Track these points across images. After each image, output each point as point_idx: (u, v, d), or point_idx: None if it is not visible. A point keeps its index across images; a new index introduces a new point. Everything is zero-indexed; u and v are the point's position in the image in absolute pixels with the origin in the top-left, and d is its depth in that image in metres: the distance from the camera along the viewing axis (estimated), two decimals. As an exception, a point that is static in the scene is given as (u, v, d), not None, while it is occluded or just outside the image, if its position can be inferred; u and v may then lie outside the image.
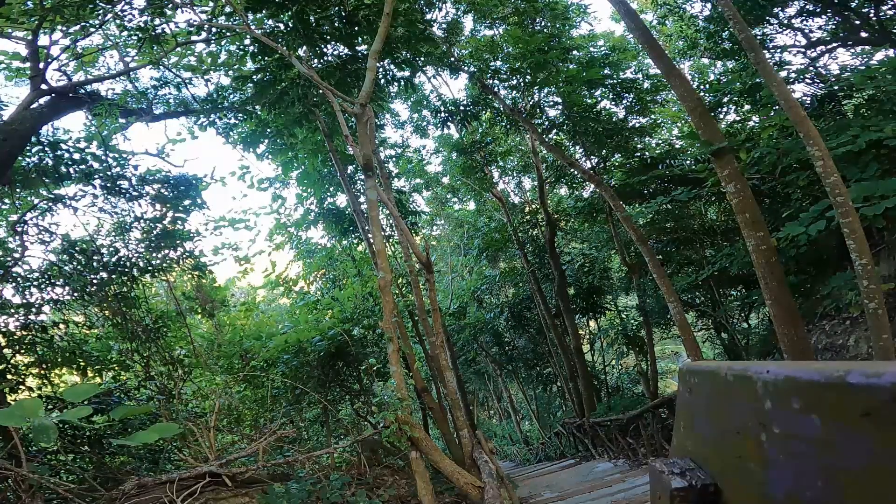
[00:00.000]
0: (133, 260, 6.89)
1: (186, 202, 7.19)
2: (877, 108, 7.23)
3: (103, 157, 6.89)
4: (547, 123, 13.88)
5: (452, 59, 12.87)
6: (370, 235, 4.68)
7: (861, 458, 0.70)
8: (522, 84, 13.05)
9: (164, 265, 7.04)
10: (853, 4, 10.23)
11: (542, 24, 13.09)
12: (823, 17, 10.93)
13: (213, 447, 4.17)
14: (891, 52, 9.96)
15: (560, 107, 13.76)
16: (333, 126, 8.62)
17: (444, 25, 12.62)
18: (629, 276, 14.02)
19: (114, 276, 6.83)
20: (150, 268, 6.89)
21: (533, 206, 18.13)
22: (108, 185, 6.90)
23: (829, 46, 11.35)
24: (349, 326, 8.33)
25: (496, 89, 12.97)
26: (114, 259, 6.92)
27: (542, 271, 16.17)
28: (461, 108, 13.47)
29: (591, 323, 17.97)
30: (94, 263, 6.89)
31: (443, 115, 13.46)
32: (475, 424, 18.94)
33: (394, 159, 15.64)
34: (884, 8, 9.99)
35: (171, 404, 5.84)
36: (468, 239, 19.12)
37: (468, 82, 14.17)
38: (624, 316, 17.01)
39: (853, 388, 0.72)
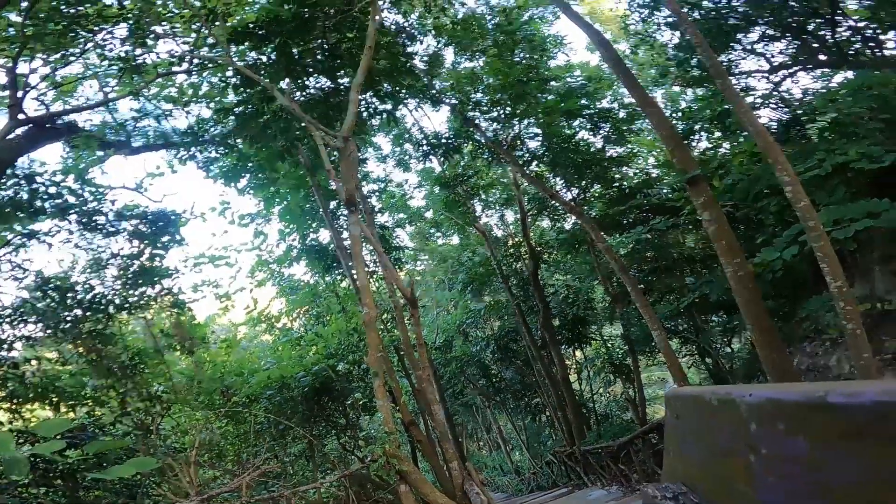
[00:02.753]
0: (109, 297, 6.71)
1: (165, 238, 7.04)
2: (840, 131, 7.46)
3: (80, 192, 6.77)
4: (528, 155, 14.11)
5: (434, 91, 13.12)
6: (354, 272, 4.67)
7: (850, 474, 0.69)
8: (503, 115, 13.32)
9: (142, 302, 6.86)
10: (810, 28, 10.61)
11: (521, 55, 13.44)
12: (784, 41, 11.32)
13: (195, 482, 4.00)
14: (849, 74, 10.27)
15: (540, 138, 14.03)
16: (316, 160, 8.60)
17: (425, 58, 12.89)
18: (613, 306, 14.10)
19: (88, 314, 6.64)
20: (126, 305, 6.72)
21: (516, 239, 18.25)
22: (84, 220, 6.77)
23: (791, 70, 11.75)
24: (334, 362, 8.23)
25: (477, 121, 13.21)
26: (88, 296, 6.75)
27: (527, 304, 16.18)
28: (443, 140, 13.65)
29: (578, 353, 17.93)
30: (68, 300, 6.70)
31: (425, 147, 13.62)
32: (465, 456, 18.54)
33: (376, 194, 15.68)
34: (839, 30, 10.35)
35: (148, 439, 5.62)
36: (452, 273, 19.11)
37: (450, 114, 14.39)
38: (609, 345, 17.03)
39: (835, 408, 0.73)
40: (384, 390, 4.40)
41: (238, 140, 8.00)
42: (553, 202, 14.06)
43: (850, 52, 10.25)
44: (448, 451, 5.66)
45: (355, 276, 4.99)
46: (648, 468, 8.68)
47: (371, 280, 13.35)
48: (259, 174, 9.13)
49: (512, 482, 20.57)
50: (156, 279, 6.89)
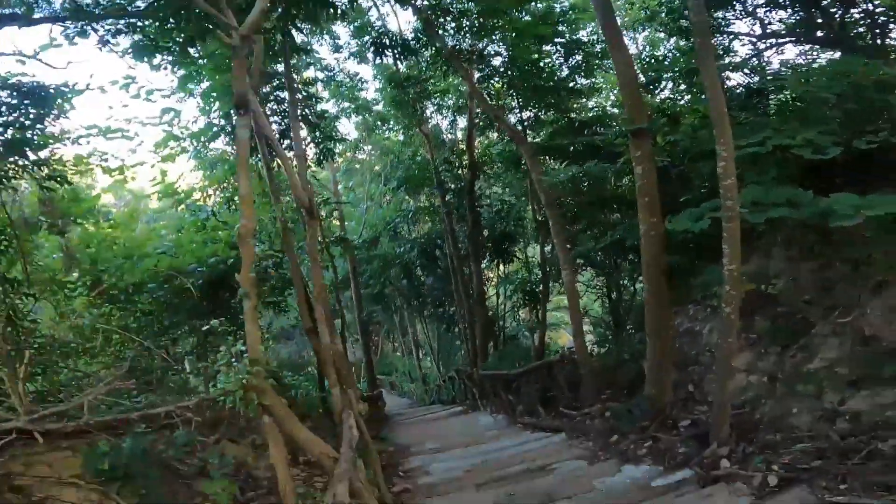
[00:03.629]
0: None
1: (44, 109, 5.88)
2: (799, 111, 7.21)
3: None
4: (488, 70, 13.20)
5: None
6: (239, 176, 4.18)
7: None
8: (472, 27, 12.13)
9: (10, 174, 5.87)
10: (825, 2, 9.94)
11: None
12: (789, 10, 10.65)
13: (24, 398, 3.69)
14: (837, 55, 9.74)
15: (504, 56, 13.07)
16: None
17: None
18: (538, 231, 14.27)
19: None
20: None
21: (461, 147, 17.63)
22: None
23: (781, 40, 11.19)
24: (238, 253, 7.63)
25: (441, 29, 11.98)
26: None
27: (459, 212, 16.03)
28: (400, 40, 12.47)
29: (501, 267, 18.22)
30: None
31: (380, 44, 12.46)
32: (372, 359, 18.97)
33: (323, 82, 14.44)
34: (852, 10, 9.77)
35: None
36: (392, 169, 18.39)
37: (415, 16, 13.00)
38: (529, 268, 17.43)
39: None
40: (254, 313, 4.12)
41: (147, 20, 6.56)
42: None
43: (853, 34, 9.73)
44: (331, 375, 5.58)
45: (238, 183, 4.47)
46: (533, 403, 9.14)
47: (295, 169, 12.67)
48: (178, 51, 7.72)
49: (418, 389, 21.32)
50: (29, 148, 5.87)
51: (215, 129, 10.17)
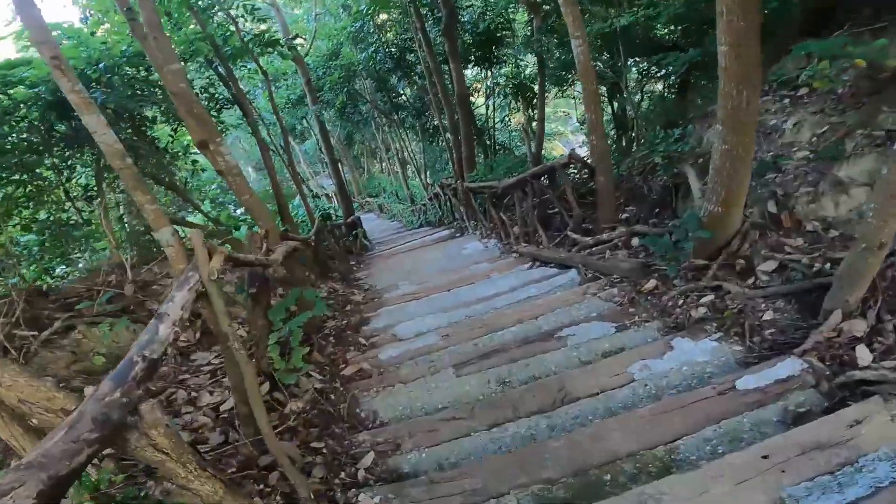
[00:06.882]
0: None
1: None
2: None
3: None
4: None
5: None
6: None
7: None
8: None
9: None
10: None
11: None
12: None
13: None
14: None
15: None
16: None
17: None
18: (531, 23, 10.60)
19: None
20: None
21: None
22: None
23: None
24: (95, 72, 4.91)
25: None
26: None
27: (434, 14, 12.11)
28: None
29: (490, 73, 14.70)
30: None
31: None
32: (343, 182, 16.02)
33: None
34: None
35: None
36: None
37: None
38: (521, 65, 13.87)
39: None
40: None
41: None
42: None
43: None
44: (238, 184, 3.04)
45: None
46: (531, 224, 6.68)
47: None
48: None
49: (405, 211, 18.93)
50: None
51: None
